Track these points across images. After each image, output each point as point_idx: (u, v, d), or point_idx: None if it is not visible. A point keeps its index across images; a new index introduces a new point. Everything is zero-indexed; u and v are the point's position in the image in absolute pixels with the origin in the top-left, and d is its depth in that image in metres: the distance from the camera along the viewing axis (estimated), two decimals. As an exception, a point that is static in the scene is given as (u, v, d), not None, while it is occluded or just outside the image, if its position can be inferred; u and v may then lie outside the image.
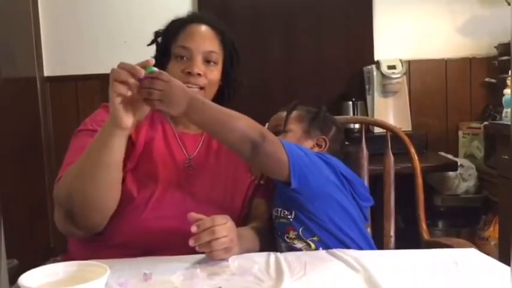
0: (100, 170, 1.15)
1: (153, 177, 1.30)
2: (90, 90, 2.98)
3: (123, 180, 1.27)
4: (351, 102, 2.91)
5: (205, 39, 1.39)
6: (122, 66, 1.10)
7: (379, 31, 3.06)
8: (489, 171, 2.70)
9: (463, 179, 2.82)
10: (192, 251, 1.13)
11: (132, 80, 1.09)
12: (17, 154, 2.58)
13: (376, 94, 2.84)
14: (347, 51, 3.06)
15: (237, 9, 3.03)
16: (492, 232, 2.69)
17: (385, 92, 2.85)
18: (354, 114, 2.90)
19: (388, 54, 2.98)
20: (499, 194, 2.49)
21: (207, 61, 1.38)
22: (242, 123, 1.18)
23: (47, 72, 3.02)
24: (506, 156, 2.33)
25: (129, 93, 1.09)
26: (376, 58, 3.00)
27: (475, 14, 3.06)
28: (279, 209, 1.30)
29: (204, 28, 1.40)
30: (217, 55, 1.40)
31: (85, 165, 1.18)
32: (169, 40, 1.40)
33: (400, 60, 2.88)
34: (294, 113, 1.40)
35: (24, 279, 0.89)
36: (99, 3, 2.97)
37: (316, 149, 1.36)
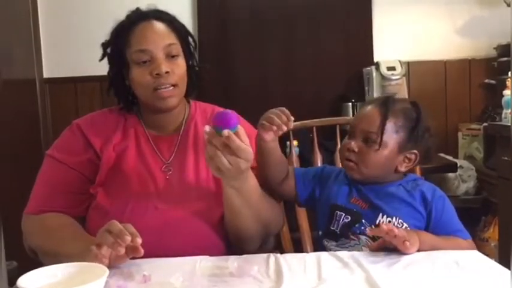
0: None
1: (125, 188, 1.30)
2: (89, 92, 2.98)
3: (95, 196, 1.29)
4: (350, 104, 2.91)
5: (160, 35, 1.32)
6: (111, 229, 1.05)
7: (379, 32, 3.06)
8: (489, 173, 2.70)
9: (463, 180, 2.82)
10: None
11: (120, 249, 1.03)
12: (16, 155, 2.57)
13: (375, 95, 2.83)
14: (346, 53, 3.06)
15: (236, 10, 3.03)
16: (492, 233, 2.69)
17: (385, 93, 2.85)
18: (353, 115, 2.89)
19: (388, 56, 2.98)
20: (499, 195, 2.49)
21: (170, 56, 1.32)
22: None
23: (46, 74, 3.02)
24: (505, 158, 2.33)
25: (107, 261, 1.04)
26: (375, 59, 3.00)
27: (474, 15, 3.06)
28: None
29: (154, 23, 1.33)
30: (177, 46, 1.34)
31: (51, 249, 1.21)
32: (121, 48, 1.33)
33: (400, 62, 2.88)
34: (391, 120, 1.24)
35: (23, 281, 0.89)
36: (98, 5, 2.98)
37: (403, 166, 1.27)
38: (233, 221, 1.27)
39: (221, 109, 1.40)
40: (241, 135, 1.11)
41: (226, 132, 1.08)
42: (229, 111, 1.12)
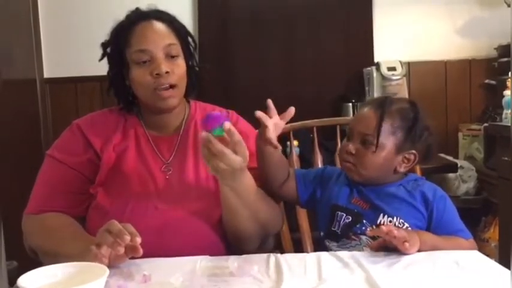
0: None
1: (125, 188, 1.30)
2: (89, 92, 2.98)
3: (95, 196, 1.29)
4: (350, 104, 2.91)
5: (159, 35, 1.32)
6: (110, 229, 1.05)
7: (379, 33, 3.06)
8: (489, 173, 2.70)
9: (463, 181, 2.82)
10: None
11: (119, 248, 1.03)
12: (16, 155, 2.58)
13: (376, 95, 2.83)
14: (347, 53, 3.06)
15: (236, 10, 3.03)
16: (492, 234, 2.69)
17: (385, 94, 2.85)
18: (354, 115, 2.89)
19: (388, 56, 2.98)
20: (499, 196, 2.49)
21: (170, 56, 1.31)
22: None
23: (46, 74, 3.02)
24: (506, 158, 2.33)
25: (107, 261, 1.04)
26: (376, 60, 3.00)
27: (475, 15, 3.06)
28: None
29: (154, 23, 1.33)
30: (177, 46, 1.34)
31: (51, 249, 1.21)
32: (121, 48, 1.33)
33: (400, 62, 2.88)
34: (388, 122, 1.23)
35: (23, 280, 0.89)
36: (98, 5, 2.98)
37: (402, 166, 1.26)
38: (231, 220, 1.27)
39: (220, 109, 1.41)
40: (233, 134, 1.09)
41: (204, 134, 1.07)
42: (214, 113, 1.10)
